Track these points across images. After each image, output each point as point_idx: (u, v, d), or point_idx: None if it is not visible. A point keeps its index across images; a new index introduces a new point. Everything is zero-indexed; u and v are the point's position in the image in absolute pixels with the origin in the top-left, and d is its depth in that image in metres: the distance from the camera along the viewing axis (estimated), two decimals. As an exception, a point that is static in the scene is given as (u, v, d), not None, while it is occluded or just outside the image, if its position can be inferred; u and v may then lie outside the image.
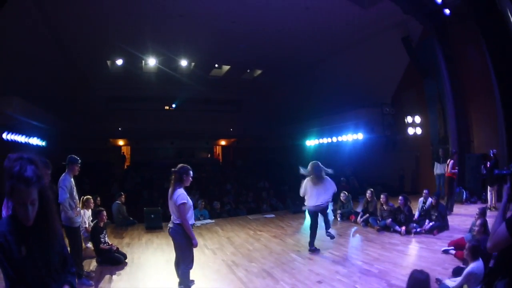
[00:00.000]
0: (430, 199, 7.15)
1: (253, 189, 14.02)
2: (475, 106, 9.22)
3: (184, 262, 3.77)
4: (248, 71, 16.75)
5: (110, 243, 5.42)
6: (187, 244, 3.70)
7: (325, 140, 15.58)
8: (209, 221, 8.80)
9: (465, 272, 3.29)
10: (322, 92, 15.77)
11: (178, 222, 3.67)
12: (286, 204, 10.11)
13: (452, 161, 7.65)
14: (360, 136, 13.34)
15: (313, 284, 4.15)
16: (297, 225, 8.14)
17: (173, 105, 18.37)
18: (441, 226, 6.12)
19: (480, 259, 3.35)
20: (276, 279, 4.39)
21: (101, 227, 5.37)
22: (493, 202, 7.70)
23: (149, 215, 7.83)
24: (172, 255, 4.04)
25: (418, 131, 11.61)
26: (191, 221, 3.75)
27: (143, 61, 13.68)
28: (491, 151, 7.72)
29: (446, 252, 4.88)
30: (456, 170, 7.67)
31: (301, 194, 5.53)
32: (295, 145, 18.13)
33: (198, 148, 22.06)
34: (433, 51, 9.57)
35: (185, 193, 3.71)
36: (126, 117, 17.05)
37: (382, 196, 7.03)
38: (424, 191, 7.21)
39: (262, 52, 13.29)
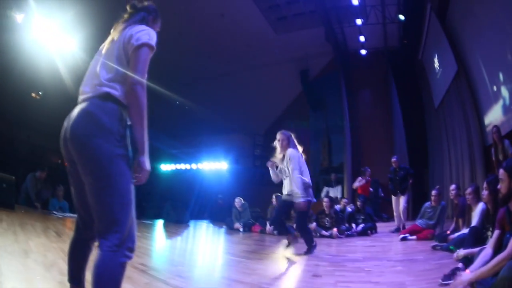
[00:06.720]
0: (348, 208, 6.95)
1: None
2: (367, 138, 10.45)
3: (109, 231, 1.28)
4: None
5: None
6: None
7: (183, 166, 13.19)
8: (72, 215, 6.05)
9: (478, 211, 3.40)
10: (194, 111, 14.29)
11: None
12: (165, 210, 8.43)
13: (363, 179, 7.71)
14: (224, 165, 12.20)
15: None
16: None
17: None
18: (373, 226, 6.00)
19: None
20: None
21: None
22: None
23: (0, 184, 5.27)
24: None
25: (298, 161, 12.04)
26: None
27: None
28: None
29: (405, 239, 4.74)
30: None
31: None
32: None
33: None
34: (328, 88, 10.66)
35: None
36: None
37: None
38: (344, 199, 7.20)
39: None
